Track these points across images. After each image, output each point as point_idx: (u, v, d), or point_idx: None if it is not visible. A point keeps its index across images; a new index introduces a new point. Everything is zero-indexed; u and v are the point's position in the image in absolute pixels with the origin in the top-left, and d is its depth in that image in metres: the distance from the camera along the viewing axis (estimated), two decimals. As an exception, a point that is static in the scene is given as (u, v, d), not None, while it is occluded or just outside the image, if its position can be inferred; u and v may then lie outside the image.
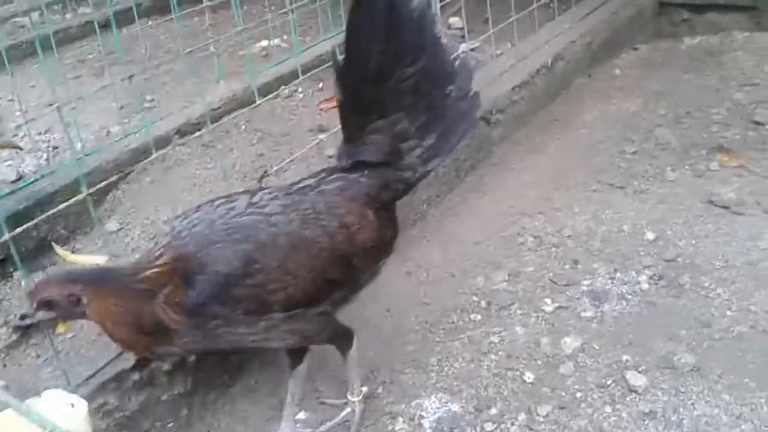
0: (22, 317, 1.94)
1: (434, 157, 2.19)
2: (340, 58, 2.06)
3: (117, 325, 1.88)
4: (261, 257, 1.92)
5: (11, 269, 2.95)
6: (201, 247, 1.91)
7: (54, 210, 2.20)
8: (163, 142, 3.50)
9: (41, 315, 1.90)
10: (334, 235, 2.03)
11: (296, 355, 2.21)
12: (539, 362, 2.42)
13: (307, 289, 1.99)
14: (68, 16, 5.48)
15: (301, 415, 2.35)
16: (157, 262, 1.91)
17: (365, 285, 2.20)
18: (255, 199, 2.04)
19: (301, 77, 3.36)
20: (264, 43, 4.72)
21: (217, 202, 2.05)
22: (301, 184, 2.14)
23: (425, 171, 2.20)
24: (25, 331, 1.95)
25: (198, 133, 3.31)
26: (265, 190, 2.11)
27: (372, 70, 2.05)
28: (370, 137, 2.13)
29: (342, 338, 2.21)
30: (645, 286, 2.69)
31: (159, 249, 1.95)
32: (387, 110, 2.11)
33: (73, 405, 1.85)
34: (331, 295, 2.07)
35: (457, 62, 2.19)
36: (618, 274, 2.76)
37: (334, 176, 2.14)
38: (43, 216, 2.24)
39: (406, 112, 2.12)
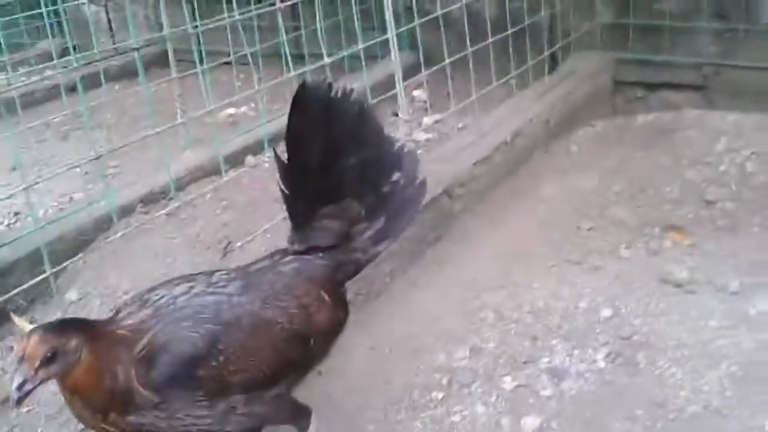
0: (20, 385, 1.74)
1: (384, 240, 2.28)
2: (282, 153, 2.16)
3: (98, 378, 1.82)
4: (224, 338, 1.94)
5: (-35, 340, 2.91)
6: (166, 324, 1.91)
7: (19, 289, 2.18)
8: (126, 211, 3.52)
9: (43, 373, 1.75)
10: (293, 316, 2.08)
11: None
12: (499, 443, 2.45)
13: (267, 369, 2.01)
14: (34, 78, 5.46)
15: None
16: (130, 325, 1.91)
17: (317, 366, 2.27)
18: (213, 279, 2.08)
19: (268, 148, 3.42)
20: (231, 110, 4.79)
21: (175, 281, 2.08)
22: (257, 266, 2.21)
23: (375, 252, 2.28)
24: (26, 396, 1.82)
25: (163, 205, 3.33)
26: (222, 271, 2.16)
27: (314, 164, 2.15)
28: (320, 222, 2.21)
29: (300, 417, 2.22)
30: (602, 364, 2.75)
31: (130, 314, 1.95)
32: (334, 197, 2.21)
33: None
34: (288, 375, 2.10)
35: (403, 151, 2.29)
36: (576, 352, 2.82)
37: (288, 258, 2.21)
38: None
39: (354, 196, 2.22)
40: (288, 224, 2.29)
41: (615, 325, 2.93)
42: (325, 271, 2.20)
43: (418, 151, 3.89)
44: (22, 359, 1.75)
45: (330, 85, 2.14)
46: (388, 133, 2.31)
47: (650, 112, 4.90)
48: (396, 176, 2.26)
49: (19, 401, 1.77)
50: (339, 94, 2.14)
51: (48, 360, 1.75)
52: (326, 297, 2.18)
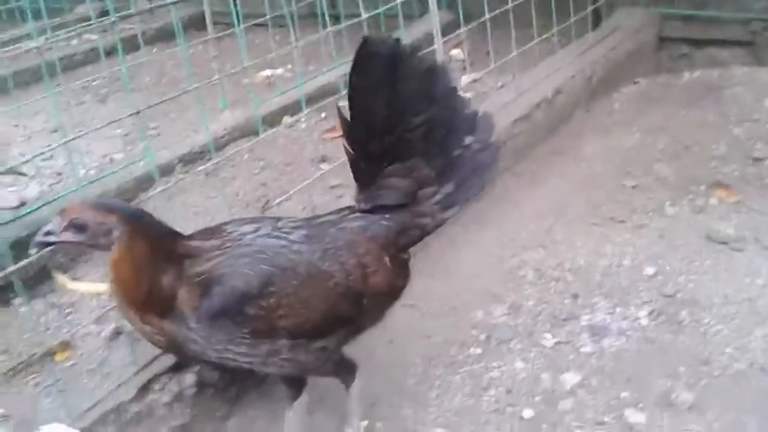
0: (47, 233, 1.87)
1: (452, 206, 2.20)
2: (347, 111, 2.09)
3: (134, 272, 1.88)
4: (278, 281, 1.95)
5: (11, 296, 2.96)
6: (227, 257, 1.95)
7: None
8: (166, 170, 3.54)
9: (68, 236, 1.86)
10: (350, 272, 2.06)
11: (295, 387, 2.22)
12: (538, 398, 2.43)
13: (316, 320, 2.01)
14: (74, 42, 5.53)
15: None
16: (193, 248, 1.95)
17: (368, 328, 2.20)
18: (279, 224, 2.08)
19: (305, 108, 3.40)
20: (267, 72, 4.78)
21: (244, 221, 2.11)
22: (323, 219, 2.19)
23: (443, 218, 2.20)
24: (46, 246, 1.90)
25: (201, 164, 3.34)
26: (288, 218, 2.15)
27: (378, 122, 2.08)
28: (386, 181, 2.15)
29: (345, 372, 2.22)
30: (644, 321, 2.70)
31: (196, 238, 2.00)
32: (400, 156, 2.13)
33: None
34: (336, 331, 2.09)
35: (477, 114, 2.19)
36: (617, 309, 2.77)
37: (355, 215, 2.17)
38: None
39: (422, 157, 2.14)
40: (354, 184, 2.22)
41: (659, 282, 2.88)
42: (388, 233, 2.14)
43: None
44: (62, 213, 1.86)
45: (397, 41, 2.04)
46: (462, 94, 2.18)
47: (696, 69, 4.76)
48: (468, 140, 2.16)
49: (37, 245, 1.89)
50: (407, 50, 2.04)
51: (74, 227, 1.85)
52: (387, 260, 2.12)
